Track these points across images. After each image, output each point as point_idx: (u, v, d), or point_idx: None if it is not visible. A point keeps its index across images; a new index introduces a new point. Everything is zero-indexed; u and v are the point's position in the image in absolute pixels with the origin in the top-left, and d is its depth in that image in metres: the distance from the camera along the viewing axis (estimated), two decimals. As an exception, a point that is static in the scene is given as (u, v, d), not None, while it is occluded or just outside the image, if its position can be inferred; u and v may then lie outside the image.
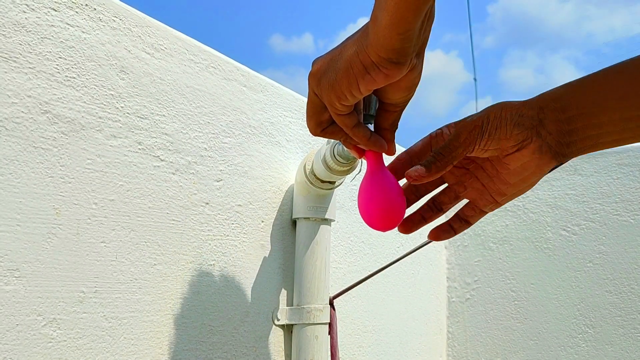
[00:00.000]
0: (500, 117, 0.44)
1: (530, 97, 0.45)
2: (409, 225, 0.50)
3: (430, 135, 0.49)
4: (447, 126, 0.48)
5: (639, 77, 0.42)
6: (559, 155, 0.44)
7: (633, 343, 1.06)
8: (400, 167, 0.49)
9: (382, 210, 0.47)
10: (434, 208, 0.51)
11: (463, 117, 0.46)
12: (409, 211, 0.49)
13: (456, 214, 0.50)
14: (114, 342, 0.59)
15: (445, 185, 0.51)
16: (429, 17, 0.38)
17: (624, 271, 1.09)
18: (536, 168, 0.45)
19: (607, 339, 1.09)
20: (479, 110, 0.45)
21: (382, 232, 0.60)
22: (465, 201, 0.50)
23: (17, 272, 0.52)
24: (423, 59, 0.40)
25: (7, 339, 0.51)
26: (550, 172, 0.46)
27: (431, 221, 0.51)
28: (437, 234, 0.50)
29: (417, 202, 0.52)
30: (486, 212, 0.49)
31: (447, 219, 0.51)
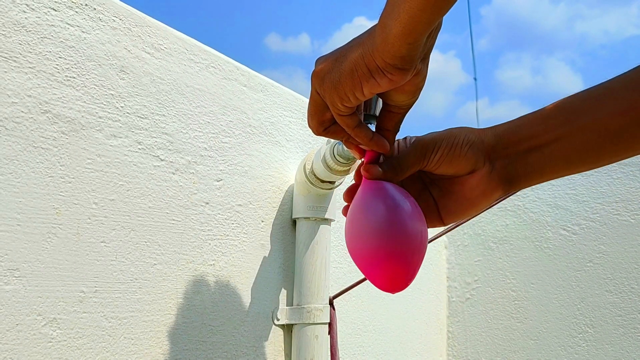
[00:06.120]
0: (457, 137, 0.45)
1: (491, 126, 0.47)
2: None
3: (397, 140, 0.50)
4: (411, 137, 0.49)
5: (570, 118, 0.43)
6: (506, 183, 0.45)
7: (633, 343, 1.06)
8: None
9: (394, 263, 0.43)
10: None
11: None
12: None
13: None
14: (114, 341, 0.59)
15: None
16: (437, 25, 0.38)
17: (624, 271, 1.09)
18: (482, 193, 0.46)
19: (607, 338, 1.09)
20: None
21: None
22: None
23: (17, 272, 0.52)
24: (428, 64, 0.41)
25: (7, 338, 0.51)
26: (498, 202, 0.47)
27: None
28: None
29: None
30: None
31: None
